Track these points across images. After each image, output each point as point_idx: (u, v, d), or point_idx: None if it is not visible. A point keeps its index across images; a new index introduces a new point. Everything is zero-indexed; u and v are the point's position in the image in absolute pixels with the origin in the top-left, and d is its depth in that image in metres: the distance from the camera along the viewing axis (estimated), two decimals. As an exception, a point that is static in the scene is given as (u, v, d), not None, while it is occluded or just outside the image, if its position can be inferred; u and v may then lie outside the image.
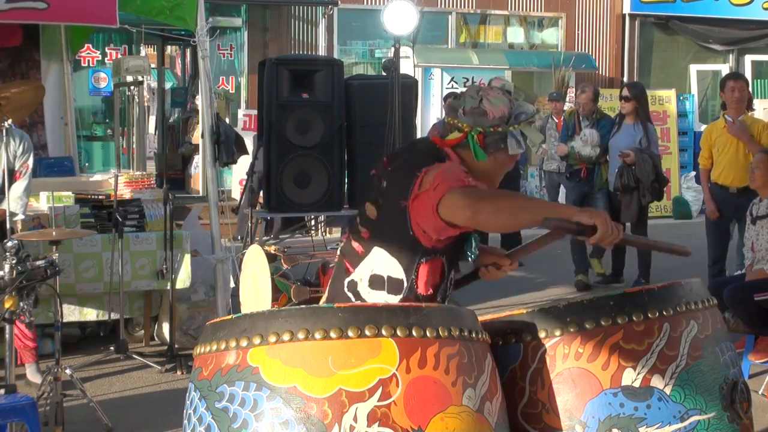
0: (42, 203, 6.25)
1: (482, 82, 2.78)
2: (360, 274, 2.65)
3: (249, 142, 10.72)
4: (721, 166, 7.10)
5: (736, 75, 8.63)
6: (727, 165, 7.05)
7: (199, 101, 10.36)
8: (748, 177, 6.15)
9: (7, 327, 4.03)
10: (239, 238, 7.83)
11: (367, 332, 2.14)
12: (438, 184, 2.47)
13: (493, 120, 2.62)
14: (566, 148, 8.42)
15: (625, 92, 8.20)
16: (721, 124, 7.21)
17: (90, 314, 6.23)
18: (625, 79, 14.67)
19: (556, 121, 10.47)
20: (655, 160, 8.03)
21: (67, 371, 4.83)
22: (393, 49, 7.53)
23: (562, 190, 10.42)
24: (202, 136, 6.68)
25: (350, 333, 2.13)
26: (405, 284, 2.60)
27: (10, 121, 5.23)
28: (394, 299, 2.60)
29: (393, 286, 2.60)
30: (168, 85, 14.81)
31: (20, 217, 5.45)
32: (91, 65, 13.11)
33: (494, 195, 2.49)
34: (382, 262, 2.61)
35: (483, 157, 2.64)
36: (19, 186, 5.44)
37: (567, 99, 12.21)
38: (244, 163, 8.71)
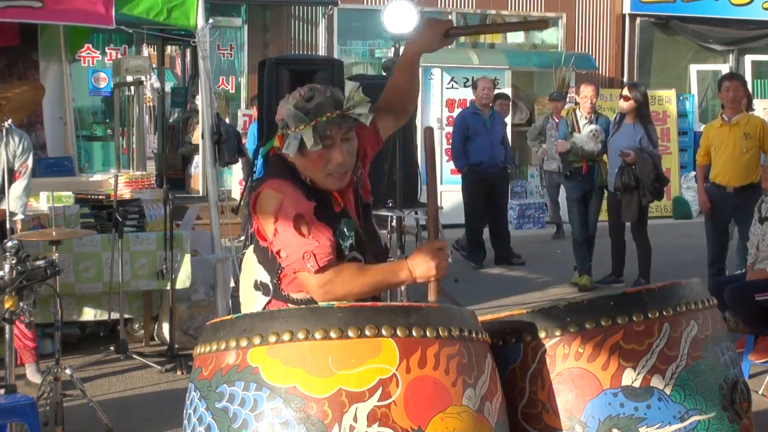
0: (42, 203, 6.25)
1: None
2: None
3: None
4: (718, 165, 7.11)
5: (731, 75, 8.64)
6: (724, 164, 7.06)
7: (199, 101, 10.35)
8: (761, 176, 6.17)
9: (7, 327, 4.03)
10: (244, 238, 7.83)
11: (367, 332, 2.14)
12: (285, 255, 2.61)
13: (280, 122, 2.72)
14: (567, 144, 8.38)
15: (625, 92, 8.20)
16: (718, 124, 7.22)
17: (90, 314, 6.24)
18: (625, 79, 14.66)
19: (556, 120, 10.48)
20: (655, 160, 8.04)
21: (67, 371, 4.83)
22: (393, 49, 7.54)
23: (562, 190, 10.43)
24: (202, 136, 6.68)
25: (350, 333, 2.13)
26: (270, 288, 2.75)
27: (9, 121, 5.23)
28: (264, 300, 2.77)
29: (263, 288, 2.78)
30: (168, 85, 14.80)
31: (20, 216, 5.45)
32: (91, 65, 13.11)
33: (341, 277, 2.58)
34: (256, 268, 2.80)
35: (263, 153, 2.74)
36: (19, 186, 5.44)
37: (567, 99, 12.20)
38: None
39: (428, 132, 2.77)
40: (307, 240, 2.58)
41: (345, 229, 2.70)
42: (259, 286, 2.79)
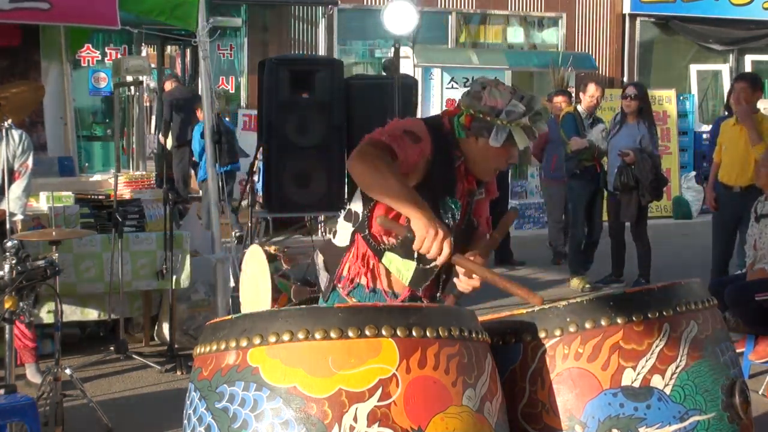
0: (42, 203, 6.24)
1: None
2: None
3: (248, 143, 10.78)
4: (726, 164, 7.11)
5: (739, 76, 8.62)
6: (731, 164, 7.05)
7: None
8: (754, 175, 6.15)
9: (7, 327, 4.03)
10: (235, 234, 7.82)
11: (367, 332, 2.14)
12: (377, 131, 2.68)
13: (483, 106, 2.75)
14: (584, 141, 8.20)
15: (632, 90, 8.17)
16: (731, 122, 7.20)
17: (90, 314, 6.24)
18: (626, 79, 14.67)
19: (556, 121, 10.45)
20: (655, 160, 8.03)
21: (67, 371, 4.83)
22: (393, 49, 7.54)
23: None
24: (202, 136, 6.68)
25: (350, 333, 2.13)
26: (360, 218, 2.77)
27: (9, 121, 5.23)
28: (349, 228, 2.80)
29: (354, 218, 2.80)
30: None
31: (19, 217, 5.44)
32: (91, 65, 13.11)
33: (372, 160, 2.56)
34: (356, 197, 2.82)
35: (461, 134, 2.79)
36: (19, 186, 5.44)
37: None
38: (244, 163, 8.72)
39: (512, 215, 2.91)
40: (397, 140, 2.63)
41: (454, 209, 2.80)
42: (351, 215, 2.83)
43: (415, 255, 2.70)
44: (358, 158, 2.58)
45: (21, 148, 5.42)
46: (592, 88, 8.46)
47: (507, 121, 2.72)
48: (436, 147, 2.74)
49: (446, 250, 2.50)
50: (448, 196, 2.79)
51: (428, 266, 2.73)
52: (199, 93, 8.10)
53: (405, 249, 2.72)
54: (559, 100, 9.96)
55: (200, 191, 10.76)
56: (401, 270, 2.77)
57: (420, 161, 2.70)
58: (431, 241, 2.48)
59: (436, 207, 2.71)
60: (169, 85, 11.97)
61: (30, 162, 5.49)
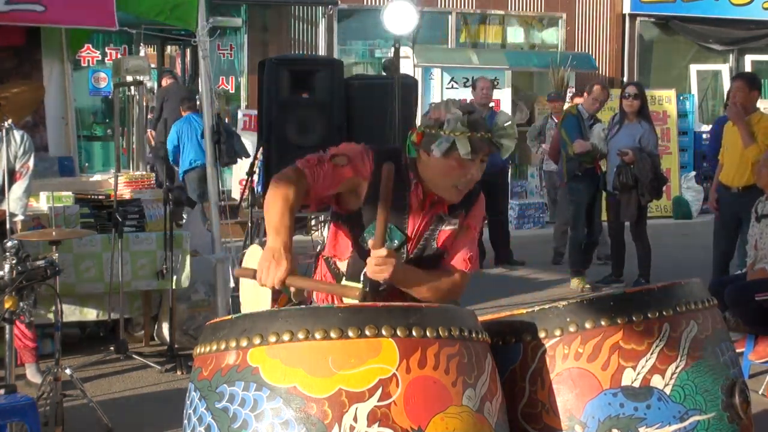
0: (42, 203, 6.24)
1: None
2: None
3: (249, 143, 10.78)
4: (726, 165, 7.11)
5: (736, 75, 8.62)
6: (730, 164, 7.05)
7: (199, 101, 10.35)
8: (755, 175, 6.15)
9: (7, 327, 4.03)
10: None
11: (367, 332, 2.14)
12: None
13: (429, 120, 2.77)
14: (587, 144, 8.20)
15: (633, 90, 8.16)
16: (731, 124, 7.21)
17: (90, 314, 6.24)
18: (626, 79, 14.66)
19: (555, 121, 10.46)
20: (654, 160, 8.03)
21: (67, 371, 4.83)
22: (393, 49, 7.54)
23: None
24: (202, 136, 6.67)
25: (350, 333, 2.13)
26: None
27: (10, 121, 5.23)
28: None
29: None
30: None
31: (20, 217, 5.44)
32: (91, 65, 13.10)
33: (275, 187, 2.69)
34: None
35: (411, 152, 2.82)
36: (19, 187, 5.43)
37: (567, 99, 12.19)
38: (244, 162, 8.72)
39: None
40: (324, 156, 2.76)
41: (392, 233, 2.79)
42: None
43: (361, 278, 2.73)
44: (271, 182, 2.74)
45: (22, 148, 5.42)
46: (597, 91, 8.43)
47: (449, 131, 2.70)
48: (378, 170, 2.76)
49: (278, 276, 2.57)
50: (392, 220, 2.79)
51: (379, 289, 2.74)
52: (199, 93, 8.10)
53: (353, 273, 2.82)
54: (551, 106, 10.00)
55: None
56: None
57: (349, 182, 2.78)
58: (265, 270, 2.58)
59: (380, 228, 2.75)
60: (164, 82, 12.02)
61: (31, 163, 5.49)
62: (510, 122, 2.79)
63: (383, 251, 2.63)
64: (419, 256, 2.87)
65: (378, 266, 2.62)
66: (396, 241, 2.81)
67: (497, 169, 9.53)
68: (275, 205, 2.64)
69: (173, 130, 10.97)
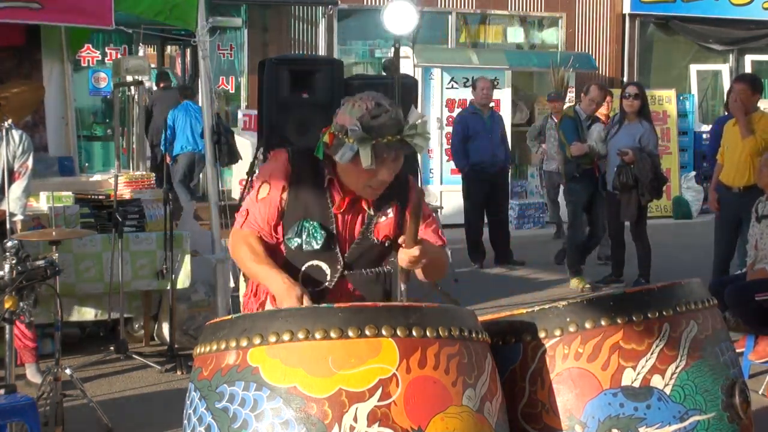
0: (42, 203, 6.24)
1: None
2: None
3: (248, 143, 10.78)
4: (726, 165, 7.10)
5: (738, 77, 8.61)
6: (730, 164, 7.05)
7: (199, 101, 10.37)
8: (757, 175, 6.15)
9: (7, 327, 4.03)
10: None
11: (367, 332, 2.14)
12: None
13: (336, 125, 2.77)
14: (585, 147, 8.22)
15: (633, 90, 8.16)
16: (732, 123, 7.20)
17: (90, 314, 6.23)
18: (625, 79, 14.65)
19: (555, 121, 10.46)
20: (654, 160, 8.02)
21: (67, 371, 4.83)
22: (393, 49, 7.53)
23: (562, 189, 10.41)
24: (202, 136, 6.67)
25: (350, 333, 2.13)
26: None
27: (9, 121, 5.22)
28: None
29: None
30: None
31: (19, 217, 5.44)
32: (91, 65, 13.10)
33: (240, 247, 2.89)
34: None
35: (319, 152, 2.84)
36: (18, 186, 5.43)
37: (567, 99, 12.19)
38: (244, 162, 8.70)
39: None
40: (255, 204, 2.87)
41: (313, 231, 2.83)
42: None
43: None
44: (232, 250, 2.97)
45: (21, 148, 5.41)
46: (593, 92, 8.47)
47: (352, 140, 2.67)
48: (296, 173, 2.84)
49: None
50: (307, 217, 2.83)
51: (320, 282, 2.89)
52: (199, 92, 8.09)
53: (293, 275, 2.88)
54: (551, 106, 9.97)
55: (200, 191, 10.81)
56: None
57: (282, 193, 2.85)
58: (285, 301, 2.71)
59: (302, 229, 2.83)
60: (158, 86, 12.16)
61: (30, 162, 5.48)
62: (421, 120, 2.75)
63: (416, 251, 2.71)
64: (360, 254, 2.90)
65: (411, 263, 2.74)
66: (318, 240, 2.82)
67: (497, 169, 9.53)
68: (248, 265, 2.86)
69: (169, 116, 11.17)
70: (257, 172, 7.73)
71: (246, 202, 2.91)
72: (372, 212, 2.88)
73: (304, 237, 2.82)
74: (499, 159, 9.50)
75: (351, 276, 2.89)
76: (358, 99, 2.76)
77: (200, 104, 8.61)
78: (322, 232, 2.82)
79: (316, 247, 2.82)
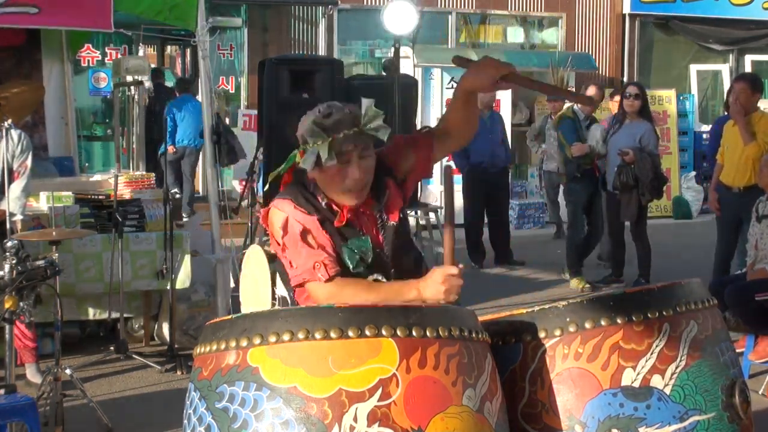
0: (42, 203, 6.24)
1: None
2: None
3: (248, 143, 10.77)
4: (726, 165, 7.10)
5: (739, 77, 8.62)
6: (731, 165, 7.05)
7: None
8: (757, 175, 6.15)
9: (7, 327, 4.03)
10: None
11: (367, 332, 2.14)
12: (295, 265, 2.73)
13: (300, 138, 2.76)
14: (586, 147, 8.24)
15: (635, 90, 8.16)
16: (731, 123, 7.21)
17: (89, 314, 6.24)
18: (625, 79, 14.66)
19: (552, 120, 10.46)
20: (654, 159, 8.02)
21: (67, 371, 4.83)
22: (393, 49, 7.54)
23: (561, 189, 10.42)
24: (202, 136, 6.67)
25: (350, 333, 2.13)
26: (288, 302, 2.78)
27: (9, 121, 5.23)
28: None
29: (283, 303, 2.99)
30: (168, 85, 14.82)
31: (18, 217, 5.44)
32: (91, 65, 13.11)
33: (347, 291, 2.68)
34: (279, 283, 2.89)
35: (284, 170, 2.81)
36: (18, 186, 5.43)
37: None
38: (244, 162, 8.71)
39: (448, 172, 2.79)
40: (316, 251, 2.70)
41: (351, 246, 2.76)
42: (279, 300, 2.87)
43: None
44: (343, 296, 2.67)
45: (20, 147, 5.41)
46: (591, 91, 8.51)
47: (312, 143, 2.68)
48: (307, 207, 2.76)
49: (459, 277, 2.61)
50: (347, 242, 2.76)
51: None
52: (199, 92, 8.11)
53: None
54: (551, 106, 9.97)
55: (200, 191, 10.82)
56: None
57: (321, 226, 2.74)
58: (449, 284, 2.59)
59: (353, 253, 2.75)
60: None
61: (29, 162, 5.49)
62: (371, 106, 2.76)
63: (454, 269, 2.63)
64: (396, 245, 2.84)
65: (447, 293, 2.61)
66: (370, 251, 2.76)
67: (498, 169, 9.54)
68: (377, 297, 2.64)
69: (166, 112, 11.28)
70: (257, 171, 7.75)
71: (302, 257, 2.71)
72: (376, 206, 2.84)
73: (355, 258, 2.75)
74: (499, 159, 9.51)
75: (396, 268, 2.83)
76: (309, 112, 2.77)
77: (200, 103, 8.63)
78: (366, 241, 2.78)
79: (371, 257, 2.76)
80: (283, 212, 2.75)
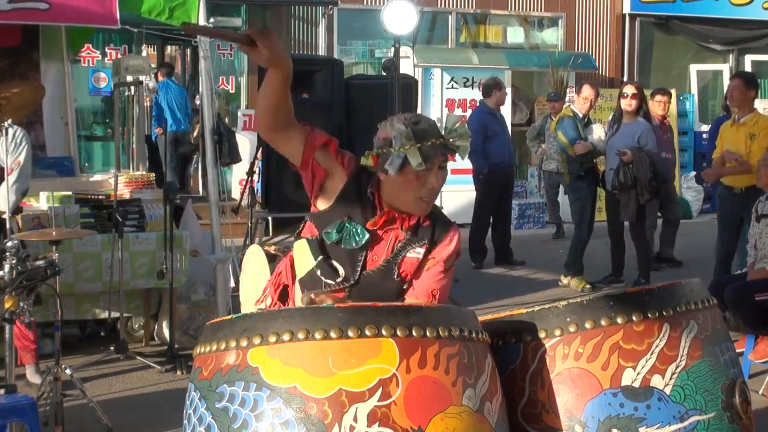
0: (42, 203, 6.24)
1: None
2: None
3: (248, 143, 10.79)
4: (728, 166, 7.10)
5: (735, 74, 8.64)
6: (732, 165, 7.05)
7: (199, 101, 10.38)
8: (755, 175, 6.16)
9: (7, 327, 4.03)
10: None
11: (367, 332, 2.14)
12: None
13: (379, 141, 2.79)
14: (588, 145, 8.24)
15: (631, 89, 8.16)
16: (729, 123, 7.21)
17: (89, 314, 6.23)
18: (626, 79, 14.66)
19: (553, 119, 10.46)
20: (653, 159, 8.02)
21: (67, 371, 4.83)
22: (393, 49, 7.54)
23: (562, 189, 10.42)
24: (203, 136, 6.67)
25: (350, 333, 2.13)
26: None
27: (9, 120, 5.23)
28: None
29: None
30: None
31: (8, 215, 5.43)
32: (91, 65, 13.10)
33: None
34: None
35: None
36: (8, 182, 5.44)
37: (567, 99, 12.19)
38: (244, 162, 8.71)
39: None
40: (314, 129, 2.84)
41: (355, 232, 2.79)
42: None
43: (319, 257, 2.81)
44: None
45: (13, 144, 5.42)
46: (586, 90, 8.53)
47: (398, 147, 2.70)
48: (353, 174, 2.82)
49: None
50: (350, 218, 2.80)
51: (328, 280, 2.82)
52: (199, 92, 8.11)
53: (314, 248, 2.84)
54: (550, 106, 10.00)
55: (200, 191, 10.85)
56: (302, 262, 2.89)
57: (336, 168, 2.81)
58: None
59: (342, 226, 2.79)
60: (159, 77, 12.36)
61: (21, 158, 5.48)
62: (460, 122, 2.79)
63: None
64: (379, 282, 2.82)
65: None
66: (359, 241, 2.78)
67: (511, 169, 9.60)
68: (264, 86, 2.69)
69: (153, 98, 11.61)
70: (257, 171, 7.76)
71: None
72: (408, 237, 2.83)
73: (344, 234, 2.79)
74: (512, 158, 9.60)
75: (356, 292, 2.84)
76: (393, 117, 2.82)
77: (198, 103, 8.66)
78: (366, 235, 2.79)
79: (355, 246, 2.78)
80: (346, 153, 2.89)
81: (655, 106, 8.96)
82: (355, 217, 2.81)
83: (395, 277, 2.83)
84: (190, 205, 7.20)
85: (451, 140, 2.75)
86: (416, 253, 2.84)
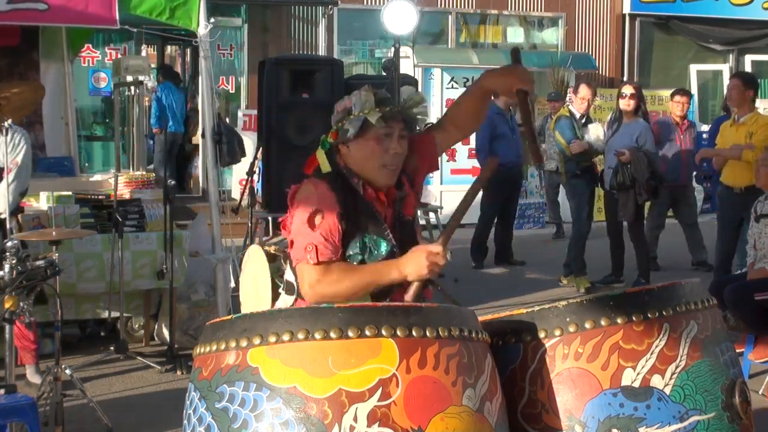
0: (42, 203, 6.25)
1: None
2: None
3: (248, 143, 10.78)
4: (727, 166, 7.11)
5: (734, 74, 8.66)
6: (731, 165, 7.06)
7: (199, 101, 10.39)
8: (754, 175, 6.17)
9: (7, 327, 4.03)
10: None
11: (367, 332, 2.14)
12: (294, 244, 2.77)
13: (338, 114, 2.83)
14: (584, 144, 8.28)
15: (631, 89, 8.16)
16: (729, 123, 7.22)
17: (90, 314, 6.24)
18: (626, 79, 14.66)
19: (553, 119, 10.46)
20: (651, 158, 8.02)
21: (67, 371, 4.83)
22: (393, 49, 7.54)
23: (562, 189, 10.41)
24: (203, 136, 6.67)
25: (350, 333, 2.13)
26: (295, 287, 2.85)
27: (10, 120, 5.23)
28: (289, 299, 2.89)
29: (290, 288, 2.89)
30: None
31: (6, 215, 5.44)
32: (91, 65, 13.11)
33: (329, 277, 2.69)
34: (288, 269, 2.92)
35: (325, 146, 2.84)
36: (4, 182, 5.44)
37: (567, 99, 12.19)
38: (244, 162, 8.70)
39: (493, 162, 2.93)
40: (315, 234, 2.70)
41: (374, 244, 2.79)
42: (285, 285, 2.89)
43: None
44: (327, 293, 2.68)
45: (12, 144, 5.42)
46: (583, 90, 8.55)
47: (358, 111, 2.75)
48: (341, 197, 2.77)
49: (441, 256, 2.66)
50: (366, 234, 2.79)
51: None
52: (199, 93, 8.11)
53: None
54: (550, 106, 9.99)
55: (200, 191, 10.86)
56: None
57: (339, 219, 2.74)
58: (430, 260, 2.65)
59: (364, 245, 2.78)
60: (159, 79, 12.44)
61: (19, 159, 5.49)
62: (414, 91, 2.86)
63: (437, 247, 2.69)
64: (402, 238, 2.87)
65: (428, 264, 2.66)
66: (383, 250, 2.79)
67: (519, 169, 9.58)
68: (356, 282, 2.69)
69: (153, 96, 11.71)
70: (257, 171, 7.76)
71: (301, 236, 2.72)
72: (398, 194, 2.88)
73: (367, 252, 2.78)
74: (521, 160, 9.55)
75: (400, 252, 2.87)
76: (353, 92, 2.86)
77: (199, 104, 8.66)
78: (384, 242, 2.81)
79: (383, 256, 2.79)
80: (313, 188, 2.77)
81: (674, 107, 8.97)
82: (367, 225, 2.81)
83: (410, 221, 2.92)
84: (203, 218, 7.21)
85: (406, 109, 2.82)
86: (403, 191, 2.92)
